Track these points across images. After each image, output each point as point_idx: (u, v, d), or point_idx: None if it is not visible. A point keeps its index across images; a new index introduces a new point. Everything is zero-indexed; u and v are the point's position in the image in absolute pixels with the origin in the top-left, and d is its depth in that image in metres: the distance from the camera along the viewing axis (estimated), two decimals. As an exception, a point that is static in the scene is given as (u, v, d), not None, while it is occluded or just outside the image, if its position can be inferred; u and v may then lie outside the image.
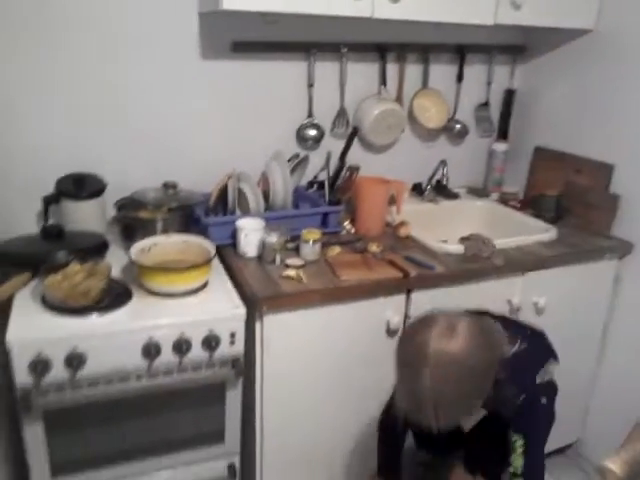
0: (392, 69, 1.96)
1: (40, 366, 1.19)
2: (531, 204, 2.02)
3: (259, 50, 1.75)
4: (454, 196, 2.12)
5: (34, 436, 1.27)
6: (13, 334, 1.19)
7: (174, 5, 1.63)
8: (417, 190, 2.09)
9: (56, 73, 1.57)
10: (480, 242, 1.65)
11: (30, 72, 1.54)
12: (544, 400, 1.25)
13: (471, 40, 2.03)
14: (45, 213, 1.59)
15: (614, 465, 0.80)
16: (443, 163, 2.03)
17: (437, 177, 2.07)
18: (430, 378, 1.03)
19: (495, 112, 2.19)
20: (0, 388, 1.32)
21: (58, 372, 1.22)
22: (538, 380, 1.26)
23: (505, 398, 1.18)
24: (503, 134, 2.20)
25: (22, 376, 1.19)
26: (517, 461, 1.21)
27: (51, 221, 1.59)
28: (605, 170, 1.84)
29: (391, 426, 1.43)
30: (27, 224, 1.62)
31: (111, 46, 1.60)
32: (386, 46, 1.90)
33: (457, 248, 1.65)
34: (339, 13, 1.51)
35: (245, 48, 1.73)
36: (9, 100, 1.54)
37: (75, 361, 1.21)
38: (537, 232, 1.80)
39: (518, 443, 1.21)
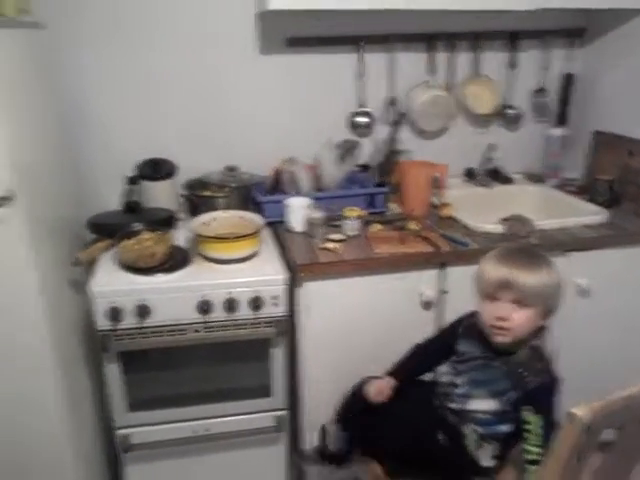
0: (442, 57, 2.04)
1: (114, 313, 1.44)
2: (587, 189, 2.01)
3: (311, 45, 1.91)
4: (508, 181, 2.15)
5: (112, 374, 1.53)
6: (94, 286, 1.45)
7: (234, 7, 1.82)
8: (469, 175, 2.15)
9: (137, 73, 1.83)
10: (519, 222, 1.70)
11: (115, 75, 1.82)
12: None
13: (526, 26, 2.05)
14: (128, 192, 1.86)
15: (581, 412, 0.86)
16: (491, 147, 2.07)
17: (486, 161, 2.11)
18: (545, 274, 1.24)
19: (552, 97, 2.19)
20: (87, 334, 1.59)
21: (129, 320, 1.46)
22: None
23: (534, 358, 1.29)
24: (561, 119, 2.19)
25: (101, 321, 1.45)
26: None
27: (133, 199, 1.86)
28: (660, 152, 1.80)
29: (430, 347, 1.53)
30: (114, 202, 1.90)
31: (182, 48, 1.84)
32: (434, 36, 1.98)
33: (495, 227, 1.70)
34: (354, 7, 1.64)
35: (298, 43, 1.90)
36: (98, 100, 1.83)
37: (141, 311, 1.45)
38: (586, 215, 1.80)
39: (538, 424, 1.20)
